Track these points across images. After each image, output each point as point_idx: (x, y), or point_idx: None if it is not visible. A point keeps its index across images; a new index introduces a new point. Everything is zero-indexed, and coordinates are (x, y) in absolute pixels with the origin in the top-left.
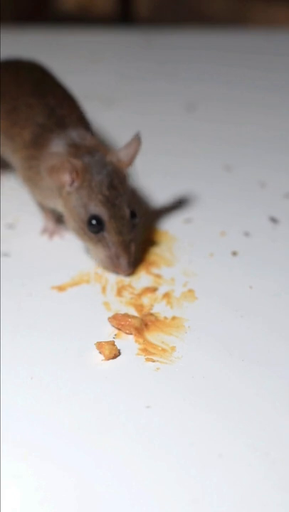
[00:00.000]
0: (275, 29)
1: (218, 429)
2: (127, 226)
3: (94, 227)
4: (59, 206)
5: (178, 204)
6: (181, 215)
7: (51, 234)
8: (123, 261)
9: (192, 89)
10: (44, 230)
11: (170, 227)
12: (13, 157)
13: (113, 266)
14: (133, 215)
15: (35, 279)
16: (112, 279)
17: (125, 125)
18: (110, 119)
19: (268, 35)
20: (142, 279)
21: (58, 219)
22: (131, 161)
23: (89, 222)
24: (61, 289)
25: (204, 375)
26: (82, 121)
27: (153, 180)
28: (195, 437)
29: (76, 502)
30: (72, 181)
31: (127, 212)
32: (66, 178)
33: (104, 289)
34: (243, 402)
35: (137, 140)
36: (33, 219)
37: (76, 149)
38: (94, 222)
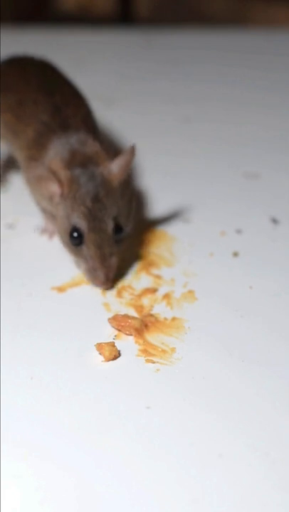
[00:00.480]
0: (275, 29)
1: (218, 429)
2: (107, 240)
3: (74, 239)
4: (53, 213)
5: (178, 204)
6: (181, 215)
7: (51, 234)
8: (100, 274)
9: (192, 90)
10: (44, 231)
11: (170, 227)
12: (18, 155)
13: (92, 279)
14: (118, 228)
15: (35, 279)
16: None
17: (125, 125)
18: (110, 119)
19: (268, 35)
20: (142, 279)
21: None
22: (123, 173)
23: (70, 234)
24: (61, 289)
25: (204, 375)
26: (86, 122)
27: (153, 180)
28: (195, 437)
29: (76, 502)
30: (61, 192)
31: (109, 225)
32: (54, 188)
33: (104, 290)
34: (243, 402)
35: (130, 152)
36: (33, 219)
37: (72, 157)
38: (75, 234)
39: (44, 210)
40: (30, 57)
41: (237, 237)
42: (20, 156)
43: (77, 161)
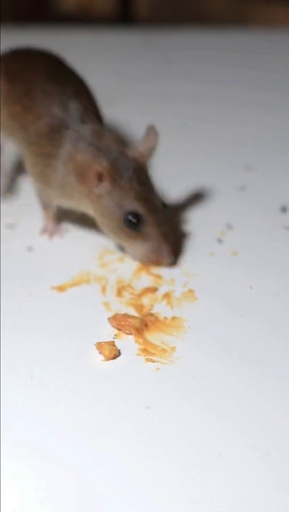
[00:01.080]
0: (275, 29)
1: (218, 429)
2: (163, 218)
3: (132, 223)
4: (83, 207)
5: (177, 204)
6: (181, 215)
7: (51, 234)
8: (166, 251)
9: (192, 90)
10: (44, 230)
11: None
12: (25, 150)
13: (157, 258)
14: (164, 206)
15: (35, 279)
16: (112, 279)
17: (125, 125)
18: (110, 118)
19: (268, 35)
20: (142, 279)
21: (59, 218)
22: (151, 153)
23: (126, 220)
24: (61, 289)
25: (204, 375)
26: (97, 114)
27: (153, 180)
28: (195, 437)
29: (76, 502)
30: (99, 182)
31: (159, 204)
32: (94, 180)
33: (104, 289)
34: (243, 402)
35: (153, 132)
36: (33, 219)
37: (97, 149)
38: (132, 219)
39: (46, 207)
40: (34, 48)
41: (237, 236)
42: (28, 151)
43: (104, 151)
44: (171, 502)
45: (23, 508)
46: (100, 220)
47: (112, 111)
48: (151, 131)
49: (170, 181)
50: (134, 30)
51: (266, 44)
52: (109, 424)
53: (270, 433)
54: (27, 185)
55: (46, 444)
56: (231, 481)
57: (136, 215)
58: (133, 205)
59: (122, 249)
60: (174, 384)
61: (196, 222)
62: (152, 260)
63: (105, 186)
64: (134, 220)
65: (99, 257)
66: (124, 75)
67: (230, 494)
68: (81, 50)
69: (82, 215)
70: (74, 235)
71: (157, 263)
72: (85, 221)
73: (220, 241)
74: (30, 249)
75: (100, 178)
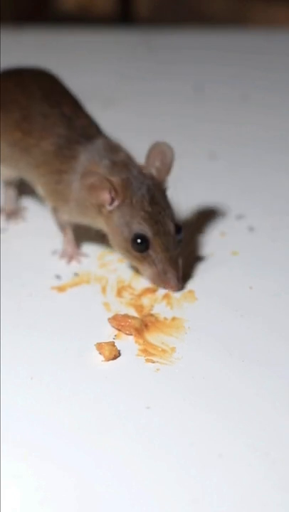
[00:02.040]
0: (275, 29)
1: (218, 429)
2: (172, 242)
3: (139, 246)
4: (98, 224)
5: (178, 204)
6: (181, 215)
7: (70, 258)
8: (172, 277)
9: (192, 90)
10: (63, 254)
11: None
12: (32, 173)
13: (162, 283)
14: (178, 229)
15: (35, 279)
16: (113, 279)
17: (125, 125)
18: (110, 119)
19: (268, 35)
20: (142, 279)
21: (78, 241)
22: (168, 172)
23: (133, 241)
24: (61, 289)
25: (204, 375)
26: (100, 132)
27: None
28: (195, 437)
29: (76, 502)
30: (113, 199)
31: (171, 227)
32: (106, 196)
33: (104, 290)
34: (243, 402)
35: (170, 149)
36: (33, 219)
37: (113, 164)
38: (139, 241)
39: (65, 229)
40: (26, 68)
41: (237, 236)
42: (35, 173)
43: (119, 166)
44: (171, 502)
45: (23, 508)
46: (110, 237)
47: (112, 111)
48: (168, 148)
49: (169, 181)
50: (134, 30)
51: (266, 44)
52: (109, 424)
53: (270, 433)
54: (27, 187)
55: (46, 444)
56: (231, 481)
57: (143, 238)
58: (141, 227)
59: (133, 267)
60: (174, 384)
61: (196, 221)
62: (159, 284)
63: (116, 204)
64: (141, 243)
65: (99, 257)
66: (124, 75)
67: (230, 494)
68: (81, 50)
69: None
70: (74, 235)
71: (165, 287)
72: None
73: (220, 241)
74: (30, 249)
75: (112, 194)
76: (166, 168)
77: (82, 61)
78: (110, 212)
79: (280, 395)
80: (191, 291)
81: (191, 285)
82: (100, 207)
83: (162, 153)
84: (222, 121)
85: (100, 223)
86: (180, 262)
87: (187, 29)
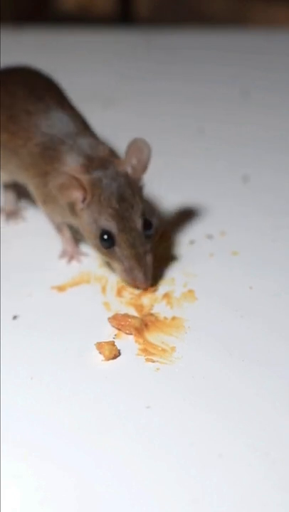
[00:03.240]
0: (275, 29)
1: (218, 429)
2: (139, 238)
3: (106, 242)
4: (76, 223)
5: (177, 204)
6: (181, 215)
7: (70, 258)
8: (138, 274)
9: (192, 90)
10: (63, 254)
11: (170, 226)
12: (22, 175)
13: (130, 279)
14: (147, 225)
15: (35, 279)
16: (113, 279)
17: (125, 125)
18: (110, 119)
19: (268, 35)
20: None
21: (78, 241)
22: (145, 169)
23: (101, 238)
24: (61, 289)
25: (204, 375)
26: (86, 126)
27: (152, 180)
28: (195, 437)
29: (76, 502)
30: (84, 198)
31: (138, 223)
32: (76, 195)
33: (104, 289)
34: (243, 402)
35: (146, 146)
36: (33, 219)
37: (90, 162)
38: (105, 237)
39: (63, 230)
40: (8, 68)
41: (237, 236)
42: (25, 176)
43: (96, 164)
44: (171, 502)
45: (23, 508)
46: (84, 235)
47: (112, 111)
48: (144, 145)
49: (169, 181)
50: (134, 30)
51: (266, 44)
52: (109, 424)
53: (270, 433)
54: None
55: (46, 444)
56: (231, 481)
57: (109, 234)
58: (107, 223)
59: (107, 264)
60: (174, 384)
61: (196, 221)
62: (127, 281)
63: (87, 202)
64: (107, 239)
65: (99, 257)
66: (124, 75)
67: (230, 494)
68: (81, 50)
69: None
70: (72, 235)
71: (133, 284)
72: None
73: (220, 241)
74: (30, 249)
75: (82, 193)
76: (142, 165)
77: (82, 61)
78: (82, 210)
79: (280, 395)
80: (191, 291)
81: (191, 285)
82: (73, 206)
83: (139, 150)
84: (222, 121)
85: (76, 222)
86: (148, 258)
87: (187, 29)
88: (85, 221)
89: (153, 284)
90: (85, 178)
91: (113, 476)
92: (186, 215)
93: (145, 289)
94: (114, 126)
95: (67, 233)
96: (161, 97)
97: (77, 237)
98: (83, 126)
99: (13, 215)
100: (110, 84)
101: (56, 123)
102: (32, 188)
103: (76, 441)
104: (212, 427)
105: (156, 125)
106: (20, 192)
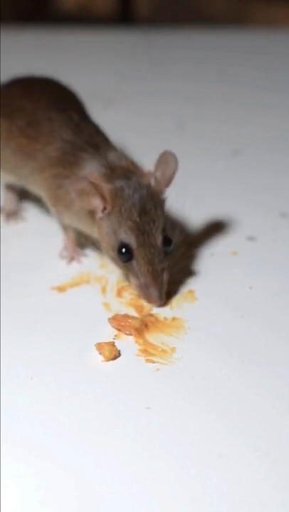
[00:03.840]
0: (275, 29)
1: (218, 429)
2: (158, 255)
3: (123, 255)
4: (93, 231)
5: (177, 204)
6: (181, 215)
7: (70, 259)
8: (153, 292)
9: (192, 90)
10: (63, 254)
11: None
12: (35, 178)
13: (144, 296)
14: (167, 241)
15: (35, 279)
16: (113, 279)
17: (125, 125)
18: (110, 119)
19: (268, 35)
20: None
21: (79, 243)
22: (169, 182)
23: (119, 251)
24: (61, 289)
25: (204, 375)
26: (107, 139)
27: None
28: (195, 437)
29: (76, 502)
30: (104, 207)
31: (158, 239)
32: (97, 202)
33: (104, 290)
34: (243, 402)
35: (174, 159)
36: (33, 219)
37: (111, 171)
38: (123, 250)
39: (67, 231)
40: (32, 77)
41: (237, 237)
42: (39, 178)
43: (118, 173)
44: (171, 502)
45: (23, 508)
46: (102, 245)
47: (111, 111)
48: (172, 158)
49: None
50: (134, 30)
51: (266, 44)
52: (109, 424)
53: (270, 433)
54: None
55: (46, 444)
56: (231, 481)
57: (127, 248)
58: (126, 236)
59: (124, 275)
60: (174, 384)
61: (196, 221)
62: (142, 296)
63: (107, 211)
64: (125, 253)
65: (99, 257)
66: (124, 75)
67: (230, 494)
68: (81, 50)
69: None
70: (76, 236)
71: (147, 300)
72: None
73: (220, 241)
74: (30, 249)
75: (102, 201)
76: (167, 178)
77: (82, 61)
78: (101, 219)
79: (280, 395)
80: (191, 291)
81: (191, 285)
82: (92, 213)
83: (165, 163)
84: (222, 121)
85: (93, 230)
86: (165, 276)
87: (187, 29)
88: (104, 231)
89: (166, 302)
90: (106, 187)
91: (113, 476)
92: (185, 215)
93: (157, 307)
94: (114, 126)
95: (72, 234)
96: (161, 97)
97: (81, 241)
98: (104, 138)
99: (13, 215)
100: (110, 84)
101: (78, 132)
102: (44, 190)
103: (76, 441)
104: (212, 427)
105: (156, 125)
106: (20, 192)
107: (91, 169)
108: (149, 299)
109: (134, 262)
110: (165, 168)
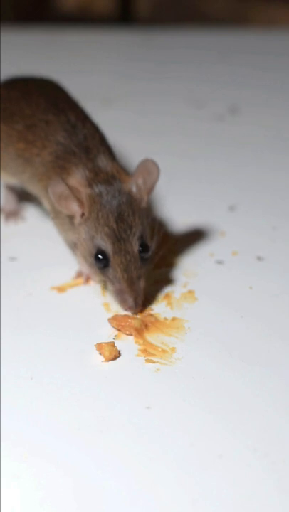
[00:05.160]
0: (275, 29)
1: (218, 429)
2: (134, 261)
3: (100, 261)
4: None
5: (177, 205)
6: (181, 216)
7: (87, 279)
8: (129, 298)
9: (192, 90)
10: (79, 275)
11: (170, 227)
12: (35, 186)
13: (120, 302)
14: (144, 248)
15: (35, 279)
16: None
17: (125, 125)
18: (110, 119)
19: (268, 35)
20: None
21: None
22: (150, 190)
23: (95, 257)
24: (61, 289)
25: (204, 375)
26: (103, 142)
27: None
28: (195, 438)
29: (76, 502)
30: (82, 212)
31: (135, 246)
32: (75, 207)
33: (104, 290)
34: (243, 403)
35: (156, 168)
36: (34, 219)
37: (95, 175)
38: (100, 256)
39: (73, 248)
40: (30, 77)
41: (237, 237)
42: (38, 186)
43: (100, 178)
44: (171, 502)
45: (23, 508)
46: (80, 250)
47: (111, 111)
48: (153, 167)
49: (169, 181)
50: (134, 30)
51: (266, 44)
52: (109, 424)
53: (270, 433)
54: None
55: (46, 444)
56: (231, 481)
57: (104, 254)
58: (102, 243)
59: (101, 281)
60: (174, 384)
61: (196, 222)
62: (118, 302)
63: (85, 217)
64: (101, 259)
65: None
66: (124, 75)
67: (230, 494)
68: (81, 49)
69: None
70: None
71: (123, 307)
72: None
73: (220, 241)
74: (30, 248)
75: (80, 207)
76: (148, 186)
77: (82, 61)
78: (79, 225)
79: (280, 396)
80: (191, 291)
81: (191, 285)
82: (72, 219)
83: (147, 171)
84: (222, 121)
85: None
86: (141, 283)
87: (187, 29)
88: (82, 236)
89: (142, 310)
90: (84, 192)
91: (113, 476)
92: (185, 216)
93: (133, 314)
94: (113, 126)
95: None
96: (161, 97)
97: None
98: (100, 142)
99: (13, 215)
100: (110, 84)
101: (72, 134)
102: (44, 201)
103: (76, 441)
104: (212, 428)
105: (155, 125)
106: (20, 192)
107: (77, 174)
108: (124, 306)
109: (110, 269)
110: (147, 176)
